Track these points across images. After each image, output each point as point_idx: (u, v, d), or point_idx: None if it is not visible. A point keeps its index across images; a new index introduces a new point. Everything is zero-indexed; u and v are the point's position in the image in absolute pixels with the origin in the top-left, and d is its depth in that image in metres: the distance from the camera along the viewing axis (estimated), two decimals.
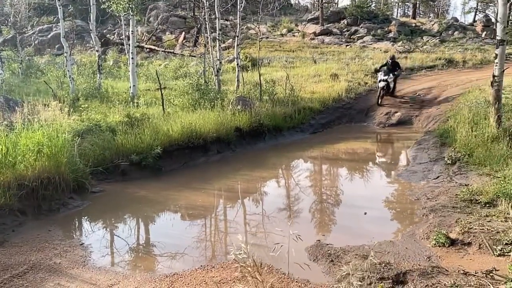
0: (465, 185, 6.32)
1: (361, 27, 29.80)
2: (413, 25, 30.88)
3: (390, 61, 14.40)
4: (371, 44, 26.58)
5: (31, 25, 30.54)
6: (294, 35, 30.56)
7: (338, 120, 13.31)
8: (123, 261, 4.60)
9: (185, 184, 7.43)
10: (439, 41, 26.43)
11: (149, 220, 6.07)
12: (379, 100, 13.96)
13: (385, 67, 14.16)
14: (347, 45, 26.67)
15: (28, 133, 6.27)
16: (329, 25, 31.12)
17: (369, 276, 3.75)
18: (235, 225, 5.67)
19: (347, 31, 29.97)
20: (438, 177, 7.30)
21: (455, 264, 4.09)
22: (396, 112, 13.54)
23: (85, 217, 6.04)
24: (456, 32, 28.51)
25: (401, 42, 25.94)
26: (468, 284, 3.60)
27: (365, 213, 5.85)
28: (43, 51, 27.05)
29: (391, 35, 28.24)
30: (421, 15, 42.02)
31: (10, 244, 4.87)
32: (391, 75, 13.92)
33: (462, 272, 3.86)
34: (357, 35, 28.81)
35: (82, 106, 10.20)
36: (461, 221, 4.95)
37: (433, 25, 30.26)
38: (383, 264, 4.00)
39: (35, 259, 4.46)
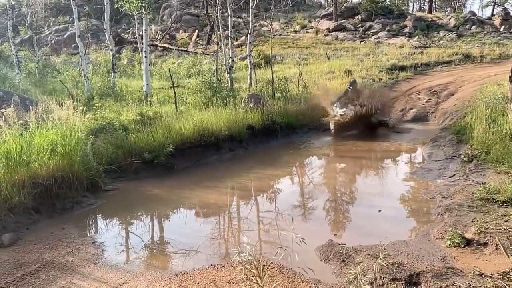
0: (482, 183, 6.16)
1: (375, 23, 29.41)
2: (429, 19, 30.32)
3: (350, 87, 11.74)
4: (385, 39, 26.21)
5: (48, 25, 31.07)
6: (307, 32, 30.34)
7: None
8: (134, 260, 4.62)
9: (197, 182, 7.44)
10: (456, 35, 25.88)
11: (161, 218, 6.10)
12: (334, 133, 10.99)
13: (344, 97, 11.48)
14: (361, 41, 26.36)
15: (42, 132, 6.35)
16: (343, 21, 30.79)
17: (381, 277, 3.69)
18: (247, 223, 5.64)
19: (362, 26, 29.62)
20: (454, 175, 7.14)
21: (471, 265, 3.98)
22: (411, 109, 13.33)
23: (98, 215, 6.10)
24: (473, 27, 27.86)
25: (416, 37, 25.48)
26: (484, 285, 3.50)
27: (380, 211, 5.77)
28: (59, 50, 27.51)
29: (406, 30, 27.79)
30: (437, 10, 41.24)
31: (24, 242, 4.95)
32: (350, 106, 11.01)
33: (477, 273, 3.75)
34: (372, 31, 28.45)
35: (96, 104, 10.33)
36: (477, 220, 4.82)
37: (449, 19, 29.64)
38: (396, 265, 3.92)
39: (48, 257, 4.52)
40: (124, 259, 4.62)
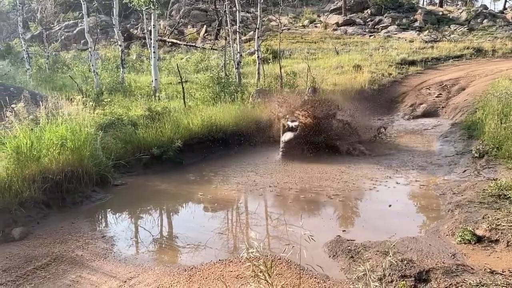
0: (493, 179, 6.07)
1: (385, 17, 29.06)
2: (440, 13, 29.86)
3: (309, 99, 9.85)
4: (395, 34, 25.89)
5: (57, 21, 31.26)
6: (316, 26, 30.09)
7: (360, 113, 13.03)
8: (143, 254, 4.65)
9: (205, 178, 7.45)
10: (467, 29, 25.47)
11: (169, 213, 6.12)
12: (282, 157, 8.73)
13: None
14: (370, 36, 26.08)
15: (52, 127, 6.40)
16: (352, 15, 30.48)
17: (390, 273, 3.66)
18: (255, 219, 5.64)
19: (371, 21, 29.28)
20: (464, 171, 7.05)
21: (481, 262, 3.93)
22: (421, 104, 13.18)
23: (108, 210, 6.15)
24: (485, 20, 27.37)
25: (427, 31, 25.14)
26: (495, 283, 3.45)
27: (390, 206, 5.76)
28: (69, 46, 27.68)
29: (416, 24, 27.41)
30: (448, 3, 40.61)
31: (34, 236, 5.01)
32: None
33: (488, 270, 3.70)
34: (381, 25, 28.12)
35: (105, 100, 10.39)
36: (488, 217, 4.75)
37: (461, 13, 29.16)
38: (405, 262, 3.88)
39: (58, 251, 4.57)
40: (133, 254, 4.65)
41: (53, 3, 25.93)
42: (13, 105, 6.82)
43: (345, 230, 4.99)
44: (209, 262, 4.26)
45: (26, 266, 4.25)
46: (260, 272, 2.40)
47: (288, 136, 8.82)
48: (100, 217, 5.96)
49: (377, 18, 29.24)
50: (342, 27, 28.58)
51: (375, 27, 28.31)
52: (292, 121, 8.93)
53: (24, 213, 5.39)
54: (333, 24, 29.33)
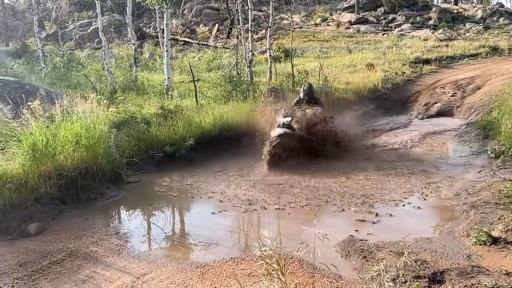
0: (510, 180, 5.96)
1: (399, 15, 28.74)
2: (455, 11, 29.40)
3: (305, 97, 8.94)
4: (409, 32, 25.58)
5: (72, 20, 31.67)
6: (328, 25, 29.90)
7: (373, 112, 12.93)
8: (156, 251, 4.69)
9: (217, 175, 7.47)
10: (482, 28, 25.03)
11: (182, 210, 6.16)
12: (268, 162, 7.73)
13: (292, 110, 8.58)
14: (384, 34, 25.82)
15: (67, 125, 6.50)
16: (365, 13, 30.21)
17: (404, 274, 3.62)
18: (267, 217, 5.63)
19: (384, 19, 28.98)
20: (480, 171, 6.95)
21: (497, 264, 3.87)
22: (435, 103, 13.00)
23: (121, 207, 6.22)
24: (501, 18, 26.84)
25: (441, 29, 24.78)
26: (510, 285, 3.39)
27: (403, 206, 5.71)
28: (83, 45, 28.01)
29: (431, 22, 27.04)
30: (463, 1, 39.94)
31: (50, 232, 5.09)
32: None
33: (504, 272, 3.65)
34: (395, 23, 27.81)
35: (119, 98, 10.51)
36: (504, 218, 4.67)
37: (476, 11, 28.67)
38: (419, 262, 3.85)
39: (73, 247, 4.64)
40: (146, 250, 4.70)
41: (68, 3, 26.31)
42: (29, 103, 6.95)
43: (357, 230, 4.96)
44: (221, 260, 4.28)
45: (42, 261, 4.33)
46: (273, 270, 2.40)
47: (278, 132, 7.80)
48: (114, 214, 6.03)
49: (391, 16, 28.93)
50: (355, 26, 28.35)
51: (389, 25, 28.02)
52: (285, 116, 8.06)
53: (40, 209, 5.50)
54: (346, 23, 29.11)
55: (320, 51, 20.14)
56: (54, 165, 5.97)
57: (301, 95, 8.99)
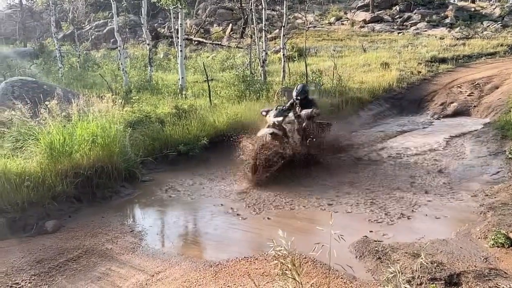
0: None
1: (414, 13, 28.36)
2: (472, 9, 28.87)
3: (297, 99, 7.80)
4: (425, 31, 25.23)
5: (88, 21, 32.15)
6: (342, 24, 29.70)
7: (388, 111, 12.80)
8: (170, 249, 4.72)
9: (231, 174, 7.49)
10: (500, 26, 24.50)
11: (195, 209, 6.18)
12: (255, 173, 6.87)
13: (281, 107, 7.63)
14: (399, 33, 25.51)
15: (83, 124, 6.60)
16: (380, 12, 29.90)
17: (419, 276, 3.57)
18: (281, 216, 5.62)
19: (400, 17, 28.64)
20: (498, 172, 6.81)
21: None
22: (452, 103, 12.80)
23: (136, 205, 6.28)
24: None
25: (458, 28, 24.35)
26: None
27: (419, 207, 5.62)
28: (99, 45, 28.42)
29: (447, 20, 26.61)
30: None
31: (66, 229, 5.18)
32: (290, 115, 7.40)
33: None
34: (410, 22, 27.46)
35: (134, 98, 10.62)
36: None
37: (494, 9, 28.09)
38: (435, 264, 3.79)
39: (88, 244, 4.71)
40: (160, 248, 4.73)
41: (84, 3, 26.70)
42: (46, 102, 7.08)
43: (372, 231, 4.91)
44: (234, 259, 4.28)
45: (58, 258, 4.41)
46: (288, 270, 2.39)
47: (264, 132, 6.99)
48: (129, 212, 6.10)
49: (406, 14, 28.56)
50: (370, 24, 28.09)
51: (404, 24, 27.67)
52: (276, 116, 7.22)
53: (57, 206, 5.59)
54: (360, 21, 28.86)
55: (334, 50, 20.01)
56: (70, 163, 6.07)
57: (294, 95, 7.88)
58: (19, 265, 4.29)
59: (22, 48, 25.21)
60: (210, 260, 4.36)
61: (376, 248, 4.36)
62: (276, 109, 7.41)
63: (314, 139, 7.42)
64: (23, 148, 6.42)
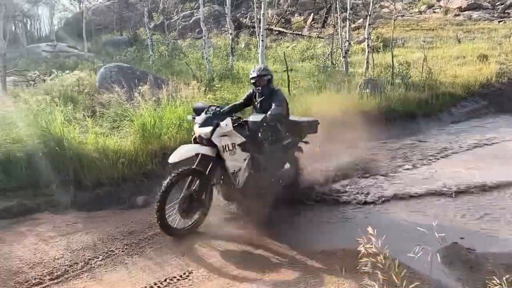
0: None
1: None
2: None
3: (253, 83, 5.20)
4: None
5: (176, 11, 33.85)
6: (434, 12, 27.58)
7: (484, 109, 11.67)
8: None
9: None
10: None
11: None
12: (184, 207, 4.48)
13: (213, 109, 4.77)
14: (500, 21, 23.03)
15: (171, 108, 7.00)
16: None
17: None
18: (361, 213, 5.44)
19: (501, 4, 25.80)
20: None
21: None
22: None
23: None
24: None
25: None
26: None
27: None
28: (185, 35, 29.80)
29: None
30: None
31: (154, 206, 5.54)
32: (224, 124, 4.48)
33: None
34: None
35: (216, 85, 10.98)
36: None
37: None
38: None
39: None
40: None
41: None
42: (140, 87, 7.63)
43: (463, 238, 4.52)
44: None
45: (148, 231, 4.76)
46: (380, 270, 2.29)
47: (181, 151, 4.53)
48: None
49: (509, 1, 25.64)
50: (466, 12, 25.73)
51: (506, 11, 24.90)
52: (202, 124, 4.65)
53: (147, 184, 6.02)
54: (455, 9, 26.55)
55: (424, 41, 18.70)
56: (159, 144, 6.50)
57: (252, 78, 5.11)
58: (114, 234, 4.71)
59: (118, 37, 27.46)
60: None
61: (467, 256, 4.03)
62: (205, 113, 4.68)
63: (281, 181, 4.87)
64: (119, 128, 7.00)
